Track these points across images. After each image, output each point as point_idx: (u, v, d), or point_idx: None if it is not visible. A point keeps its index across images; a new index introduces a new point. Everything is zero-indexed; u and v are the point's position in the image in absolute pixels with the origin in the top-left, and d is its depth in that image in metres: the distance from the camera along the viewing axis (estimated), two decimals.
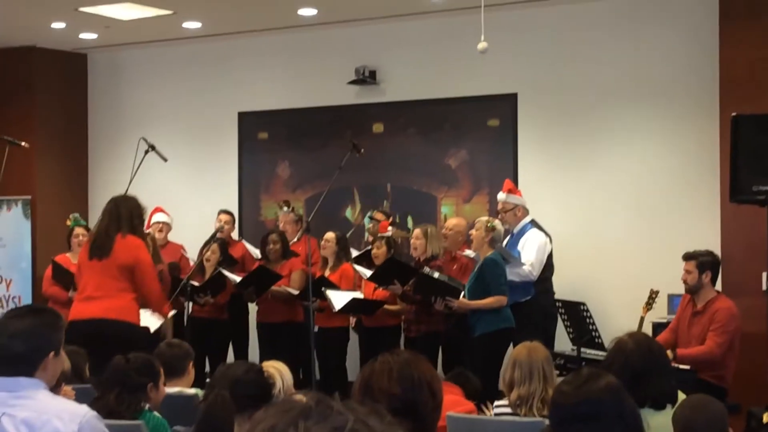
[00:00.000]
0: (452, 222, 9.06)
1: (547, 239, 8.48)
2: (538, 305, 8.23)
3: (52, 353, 3.44)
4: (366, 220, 9.77)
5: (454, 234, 8.81)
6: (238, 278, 8.95)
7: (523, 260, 8.28)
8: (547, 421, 5.02)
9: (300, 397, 1.41)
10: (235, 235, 10.20)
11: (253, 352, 9.56)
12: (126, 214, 7.01)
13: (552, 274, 8.54)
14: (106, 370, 4.74)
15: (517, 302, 8.27)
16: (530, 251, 8.33)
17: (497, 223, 8.21)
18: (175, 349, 5.45)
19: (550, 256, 8.48)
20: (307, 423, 1.34)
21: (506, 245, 8.41)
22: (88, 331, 6.53)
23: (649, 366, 4.14)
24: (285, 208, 9.60)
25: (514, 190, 8.66)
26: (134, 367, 4.65)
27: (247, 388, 3.66)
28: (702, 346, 6.92)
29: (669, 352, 6.70)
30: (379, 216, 9.47)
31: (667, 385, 4.22)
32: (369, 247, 9.05)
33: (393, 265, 8.49)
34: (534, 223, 8.55)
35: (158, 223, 9.66)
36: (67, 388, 3.84)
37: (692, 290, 7.14)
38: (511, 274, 8.19)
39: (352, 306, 8.60)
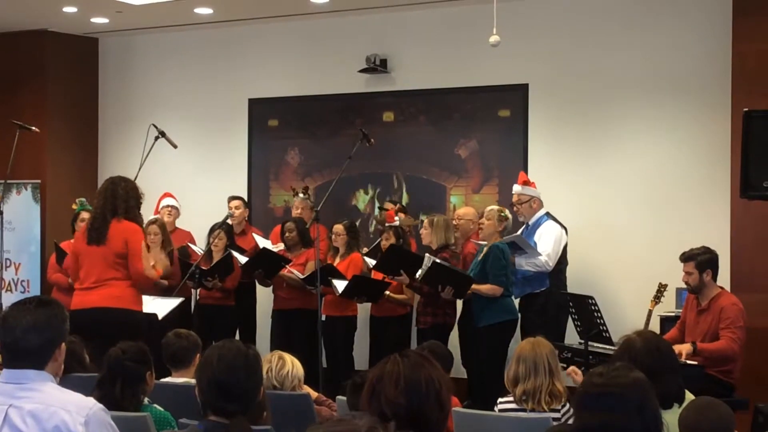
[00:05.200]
0: (462, 211, 9.10)
1: (563, 231, 8.48)
2: (552, 297, 8.22)
3: (62, 344, 3.45)
4: (376, 211, 9.78)
5: (465, 222, 8.83)
6: (244, 259, 8.99)
7: (539, 251, 8.28)
8: (553, 416, 5.04)
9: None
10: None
11: (261, 340, 9.57)
12: (123, 194, 7.03)
13: (566, 266, 8.55)
14: (103, 364, 4.74)
15: (531, 293, 8.29)
16: (547, 242, 8.33)
17: (508, 212, 8.24)
18: (183, 341, 5.45)
19: (564, 249, 8.48)
20: None
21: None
22: (90, 321, 6.57)
23: (656, 365, 4.13)
24: (301, 195, 9.60)
25: (529, 182, 8.65)
26: (130, 357, 4.65)
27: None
28: (720, 342, 6.88)
29: (689, 346, 6.73)
30: (388, 206, 9.49)
31: (675, 384, 4.22)
32: (379, 240, 9.05)
33: (397, 253, 8.49)
34: (549, 215, 8.55)
35: (167, 207, 9.73)
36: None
37: (695, 290, 7.13)
38: (528, 264, 8.23)
39: (356, 287, 8.59)
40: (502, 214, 8.17)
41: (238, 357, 3.40)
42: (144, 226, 8.85)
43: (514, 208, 8.65)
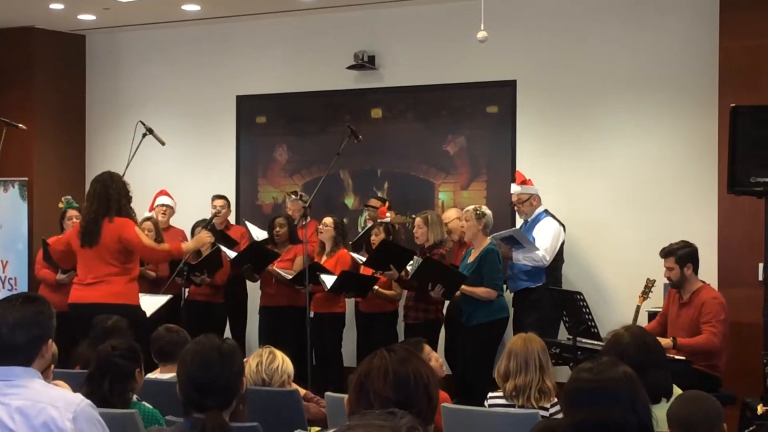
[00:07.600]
0: (448, 212, 9.15)
1: (561, 228, 8.52)
2: (548, 293, 8.24)
3: (50, 341, 3.45)
4: (363, 211, 9.79)
5: (454, 222, 8.88)
6: (233, 254, 8.99)
7: (537, 245, 8.31)
8: (541, 413, 5.06)
9: None
10: (231, 219, 10.19)
11: (252, 337, 9.58)
12: (114, 195, 7.22)
13: (562, 264, 8.59)
14: (92, 360, 4.74)
15: (527, 288, 8.32)
16: (545, 237, 8.39)
17: (485, 209, 8.26)
18: (173, 335, 5.45)
19: (561, 246, 8.52)
20: None
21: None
22: (90, 316, 6.62)
23: (644, 360, 4.15)
24: (293, 196, 9.61)
25: (527, 180, 8.69)
26: (120, 354, 4.65)
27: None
28: (700, 337, 6.93)
29: (669, 341, 6.78)
30: (374, 203, 9.51)
31: (663, 379, 4.23)
32: (366, 227, 9.05)
33: (388, 249, 8.50)
34: (548, 212, 8.59)
35: (162, 206, 9.74)
36: (60, 382, 3.84)
37: (677, 285, 7.18)
38: (525, 259, 8.28)
39: (344, 283, 8.60)
40: (479, 211, 8.17)
41: (211, 352, 3.39)
42: (138, 223, 8.90)
43: (515, 208, 8.72)
